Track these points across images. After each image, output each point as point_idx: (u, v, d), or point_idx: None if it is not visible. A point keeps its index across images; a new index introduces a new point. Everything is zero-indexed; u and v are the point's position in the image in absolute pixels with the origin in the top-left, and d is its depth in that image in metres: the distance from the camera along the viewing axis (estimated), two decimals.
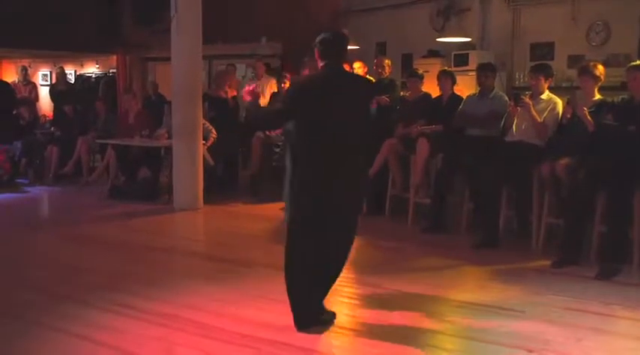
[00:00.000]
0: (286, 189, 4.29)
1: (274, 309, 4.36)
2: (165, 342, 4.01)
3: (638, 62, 5.84)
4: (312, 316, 4.12)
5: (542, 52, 9.00)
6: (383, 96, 7.90)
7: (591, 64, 6.13)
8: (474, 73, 7.79)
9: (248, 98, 9.58)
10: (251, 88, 9.69)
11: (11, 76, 13.85)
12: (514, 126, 6.49)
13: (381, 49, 10.50)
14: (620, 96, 5.79)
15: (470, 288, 5.24)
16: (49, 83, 14.35)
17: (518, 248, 6.21)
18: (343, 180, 4.06)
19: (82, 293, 4.97)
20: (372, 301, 4.79)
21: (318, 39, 4.15)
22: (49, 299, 4.85)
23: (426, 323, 4.36)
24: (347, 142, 4.04)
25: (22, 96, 12.15)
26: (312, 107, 4.04)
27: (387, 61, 8.28)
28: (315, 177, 4.06)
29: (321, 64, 4.16)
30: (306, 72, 4.19)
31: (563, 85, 8.08)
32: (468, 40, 9.42)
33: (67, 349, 3.98)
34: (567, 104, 6.08)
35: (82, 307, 4.65)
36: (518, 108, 6.35)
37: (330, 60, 4.13)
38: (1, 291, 5.15)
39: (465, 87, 8.17)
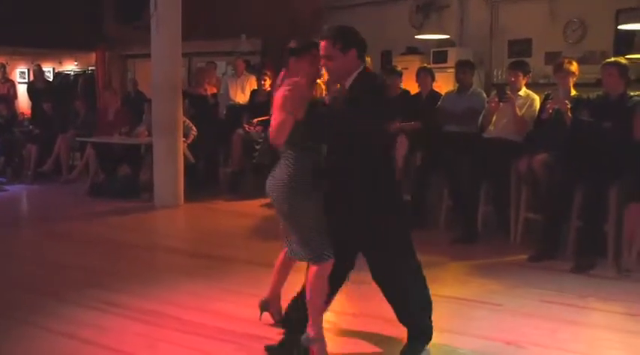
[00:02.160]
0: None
1: (255, 304, 4.38)
2: (148, 338, 4.03)
3: (612, 59, 5.94)
4: None
5: (519, 48, 9.09)
6: None
7: (566, 60, 6.23)
8: (452, 70, 7.89)
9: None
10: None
11: None
12: (493, 123, 6.56)
13: None
14: (596, 93, 5.89)
15: (449, 283, 5.30)
16: (26, 81, 14.26)
17: (497, 243, 6.30)
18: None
19: (65, 290, 4.97)
20: (354, 295, 4.83)
21: (342, 33, 3.57)
22: (31, 297, 4.85)
23: None
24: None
25: (0, 94, 12.05)
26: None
27: (366, 58, 8.29)
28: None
29: (358, 66, 3.62)
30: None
31: (541, 81, 8.16)
32: (447, 37, 9.49)
33: (53, 347, 3.98)
34: (549, 99, 6.15)
35: (65, 305, 4.66)
36: (501, 103, 6.41)
37: (364, 61, 3.66)
38: None
39: (444, 84, 8.25)
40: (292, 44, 3.72)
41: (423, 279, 3.87)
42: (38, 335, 4.15)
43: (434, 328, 3.86)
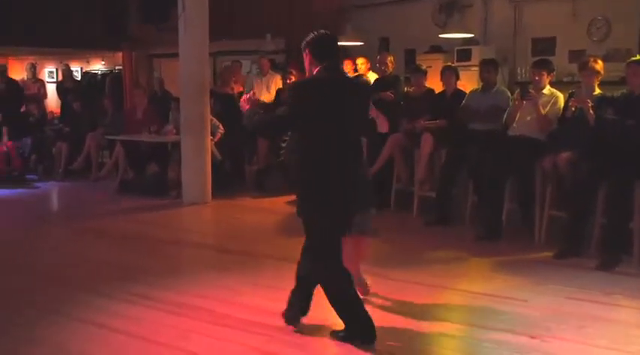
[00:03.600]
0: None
1: (283, 298, 4.49)
2: (180, 330, 4.16)
3: (638, 57, 5.97)
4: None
5: (543, 46, 9.09)
6: (387, 92, 8.03)
7: (591, 59, 6.25)
8: (476, 69, 7.94)
9: (247, 107, 9.50)
10: (248, 96, 9.66)
11: (18, 74, 13.95)
12: (517, 120, 6.61)
13: (384, 45, 10.60)
14: (620, 91, 5.91)
15: (474, 279, 5.39)
16: (55, 80, 14.47)
17: (521, 240, 6.35)
18: (346, 181, 3.90)
19: (97, 284, 5.13)
20: (379, 291, 4.92)
21: (308, 39, 3.97)
22: (64, 290, 5.01)
23: (432, 312, 4.51)
24: (348, 145, 3.93)
25: (31, 93, 12.27)
26: (315, 112, 3.84)
27: (389, 58, 8.38)
28: (321, 180, 3.88)
29: (317, 66, 3.93)
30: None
31: (564, 79, 8.18)
32: (471, 35, 9.52)
33: (86, 336, 4.13)
34: (572, 97, 6.19)
35: (97, 297, 4.81)
36: (524, 101, 6.46)
37: (329, 62, 3.93)
38: (20, 283, 5.31)
39: (468, 82, 8.29)
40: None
41: (340, 280, 3.91)
42: (72, 325, 4.30)
43: (458, 322, 3.93)
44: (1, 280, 5.48)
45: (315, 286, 4.05)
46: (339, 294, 3.92)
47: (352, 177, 3.92)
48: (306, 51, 3.97)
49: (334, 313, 3.92)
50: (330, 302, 3.92)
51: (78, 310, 4.54)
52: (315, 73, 3.94)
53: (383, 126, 7.06)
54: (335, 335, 3.97)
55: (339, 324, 3.95)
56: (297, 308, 4.13)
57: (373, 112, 6.97)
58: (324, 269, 3.94)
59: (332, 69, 3.96)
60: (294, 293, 4.16)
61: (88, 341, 4.06)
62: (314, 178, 3.88)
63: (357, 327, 3.91)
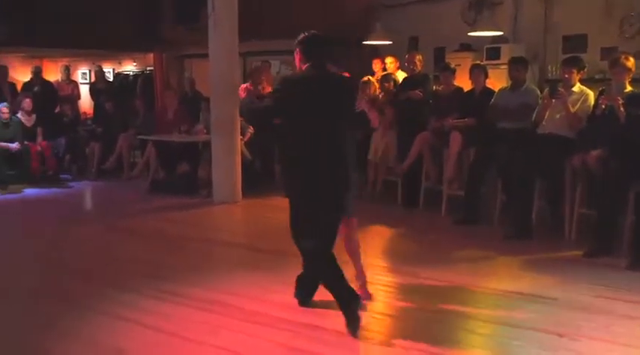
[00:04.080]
0: None
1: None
2: (210, 326, 4.22)
3: None
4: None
5: (574, 44, 8.99)
6: (416, 91, 8.04)
7: (622, 56, 6.18)
8: (505, 67, 7.88)
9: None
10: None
11: (52, 75, 14.21)
12: (546, 118, 6.57)
13: (414, 44, 10.59)
14: None
15: (503, 277, 5.37)
16: (87, 81, 14.70)
17: (551, 238, 6.32)
18: (325, 179, 4.14)
19: (128, 280, 5.22)
20: (408, 289, 4.95)
21: (299, 39, 4.26)
22: (97, 287, 5.11)
23: (461, 310, 4.52)
24: (329, 142, 4.14)
25: (65, 94, 12.49)
26: (298, 106, 4.14)
27: (418, 56, 8.38)
28: (297, 176, 4.20)
29: (305, 63, 4.25)
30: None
31: (596, 76, 8.10)
32: (500, 33, 9.46)
33: (115, 331, 4.21)
34: (602, 95, 6.13)
35: (127, 293, 4.90)
36: (553, 99, 6.42)
37: (315, 60, 4.24)
38: (53, 279, 5.44)
39: (497, 80, 8.25)
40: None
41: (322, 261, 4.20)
42: (101, 319, 4.39)
43: (487, 320, 3.93)
44: (34, 275, 5.64)
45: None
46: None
47: (334, 168, 4.16)
48: (297, 49, 4.28)
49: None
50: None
51: (107, 305, 4.63)
52: (303, 69, 4.27)
53: (374, 121, 7.09)
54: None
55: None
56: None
57: (363, 105, 7.01)
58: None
59: (318, 66, 4.25)
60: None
61: (118, 335, 4.13)
62: (290, 171, 4.27)
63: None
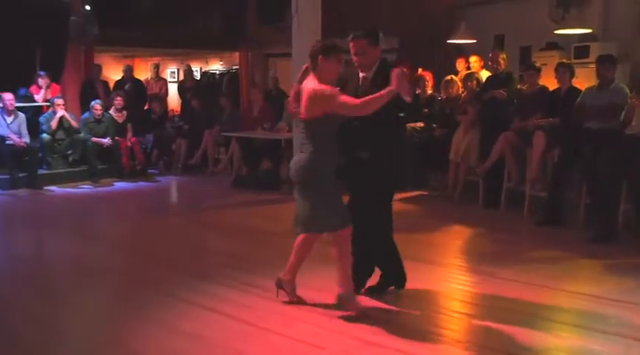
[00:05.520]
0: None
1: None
2: (286, 318, 4.31)
3: None
4: None
5: None
6: (499, 90, 7.92)
7: None
8: (594, 66, 7.66)
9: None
10: None
11: (142, 74, 14.73)
12: (635, 119, 6.36)
13: (499, 42, 10.42)
14: None
15: (585, 280, 5.25)
16: (176, 80, 15.14)
17: (636, 242, 6.13)
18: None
19: (209, 271, 5.40)
20: (486, 289, 4.90)
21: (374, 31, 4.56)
22: (180, 276, 5.31)
23: (539, 311, 4.45)
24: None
25: (153, 92, 12.93)
26: None
27: (502, 55, 8.25)
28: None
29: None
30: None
31: None
32: (589, 31, 9.19)
33: (194, 318, 4.36)
34: None
35: (207, 283, 5.07)
36: None
37: None
38: (139, 267, 5.71)
39: (585, 80, 8.01)
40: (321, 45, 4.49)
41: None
42: (181, 307, 4.57)
43: (565, 323, 3.85)
44: (122, 261, 5.97)
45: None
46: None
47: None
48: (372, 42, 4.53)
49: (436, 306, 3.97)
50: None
51: (188, 293, 4.80)
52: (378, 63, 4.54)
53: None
54: (371, 292, 4.55)
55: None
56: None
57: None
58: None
59: None
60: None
61: (197, 322, 4.27)
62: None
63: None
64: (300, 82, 4.42)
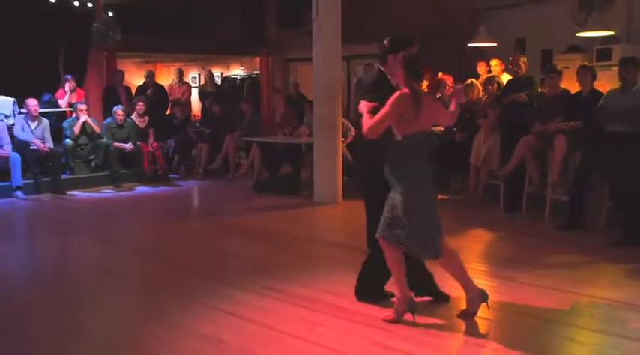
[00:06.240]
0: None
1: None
2: (306, 322, 4.32)
3: None
4: None
5: None
6: (520, 94, 7.89)
7: None
8: (617, 69, 7.59)
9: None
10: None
11: (164, 79, 14.85)
12: None
13: (520, 46, 10.37)
14: None
15: (606, 285, 5.20)
16: (197, 85, 15.24)
17: None
18: None
19: (230, 275, 5.43)
20: (507, 293, 4.88)
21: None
22: (200, 280, 5.34)
23: (560, 316, 4.42)
24: None
25: (175, 97, 13.03)
26: None
27: (522, 59, 8.20)
28: None
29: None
30: None
31: None
32: (611, 33, 9.12)
33: (214, 321, 4.38)
34: None
35: (227, 287, 5.10)
36: None
37: None
38: (161, 271, 5.73)
39: (608, 83, 7.94)
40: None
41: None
42: (201, 310, 4.59)
43: (586, 328, 3.87)
44: (144, 265, 6.01)
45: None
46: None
47: None
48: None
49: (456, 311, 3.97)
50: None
51: (208, 297, 4.83)
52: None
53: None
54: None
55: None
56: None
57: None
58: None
59: None
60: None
61: (218, 326, 4.30)
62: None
63: None
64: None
